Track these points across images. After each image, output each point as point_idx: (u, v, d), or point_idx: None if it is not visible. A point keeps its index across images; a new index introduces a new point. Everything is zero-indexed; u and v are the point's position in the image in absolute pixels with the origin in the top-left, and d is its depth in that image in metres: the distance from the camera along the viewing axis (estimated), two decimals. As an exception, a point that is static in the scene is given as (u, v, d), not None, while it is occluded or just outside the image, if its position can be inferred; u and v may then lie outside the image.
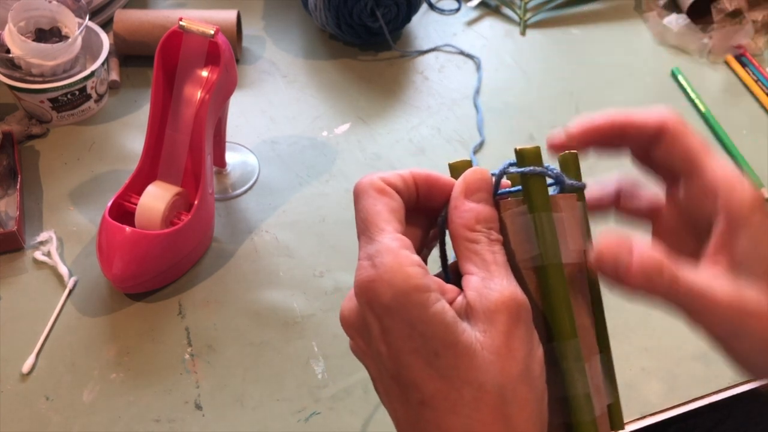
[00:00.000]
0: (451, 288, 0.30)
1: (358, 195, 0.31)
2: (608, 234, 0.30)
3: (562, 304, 0.31)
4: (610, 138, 0.35)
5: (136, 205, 0.61)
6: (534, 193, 0.31)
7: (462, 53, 0.84)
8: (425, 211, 0.33)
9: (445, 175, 0.33)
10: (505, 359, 0.28)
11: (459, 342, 0.28)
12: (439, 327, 0.28)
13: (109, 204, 0.61)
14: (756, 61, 0.88)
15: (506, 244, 0.31)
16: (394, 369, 0.29)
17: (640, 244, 0.30)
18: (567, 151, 0.33)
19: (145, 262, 0.59)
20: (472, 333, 0.28)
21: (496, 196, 0.32)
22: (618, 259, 0.30)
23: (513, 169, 0.32)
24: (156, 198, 0.61)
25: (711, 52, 0.90)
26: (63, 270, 0.62)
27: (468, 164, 0.32)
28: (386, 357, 0.29)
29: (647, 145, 0.34)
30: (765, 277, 0.30)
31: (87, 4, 0.77)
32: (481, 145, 0.77)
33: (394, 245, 0.29)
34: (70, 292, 0.62)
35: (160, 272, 0.61)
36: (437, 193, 0.33)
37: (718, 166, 0.32)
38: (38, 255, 0.64)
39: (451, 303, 0.29)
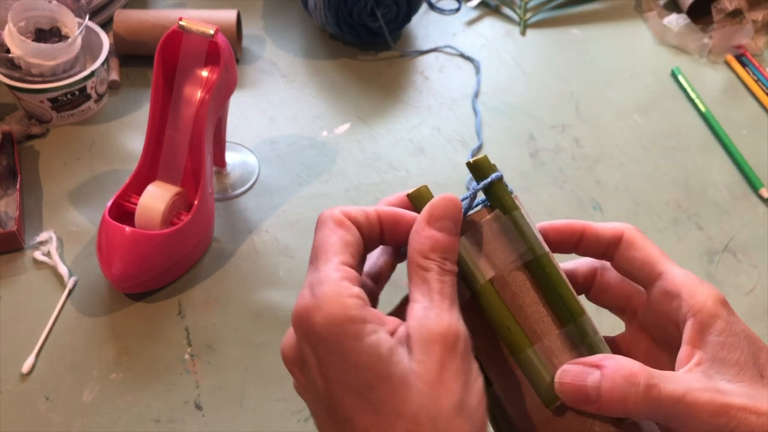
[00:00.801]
0: (392, 319, 0.30)
1: (317, 225, 0.32)
2: (565, 368, 0.31)
3: (565, 286, 0.32)
4: (568, 238, 0.36)
5: (136, 205, 0.61)
6: (504, 197, 0.33)
7: (462, 55, 0.84)
8: (393, 245, 0.34)
9: (411, 212, 0.33)
10: (440, 391, 0.27)
11: (392, 374, 0.27)
12: (372, 359, 0.27)
13: (109, 204, 0.61)
14: (756, 60, 0.88)
15: (485, 256, 0.32)
16: (329, 402, 0.29)
17: (609, 359, 0.30)
18: (477, 157, 0.33)
19: (144, 262, 0.59)
20: (408, 364, 0.28)
21: (466, 216, 0.33)
22: (585, 387, 0.30)
23: (479, 185, 0.32)
24: (156, 198, 0.61)
25: (711, 52, 0.90)
26: (63, 270, 0.62)
27: (426, 190, 0.33)
28: (321, 389, 0.29)
29: (604, 251, 0.35)
30: (740, 370, 0.30)
31: (87, 4, 0.77)
32: (479, 148, 0.77)
33: (335, 276, 0.29)
34: (70, 292, 0.62)
35: (160, 272, 0.61)
36: (402, 230, 0.33)
37: (677, 271, 0.33)
38: (38, 255, 0.64)
39: (392, 333, 0.29)
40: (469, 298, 0.32)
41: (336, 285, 0.28)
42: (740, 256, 0.70)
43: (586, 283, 0.37)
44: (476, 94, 0.83)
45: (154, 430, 0.55)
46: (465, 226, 0.32)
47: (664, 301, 0.33)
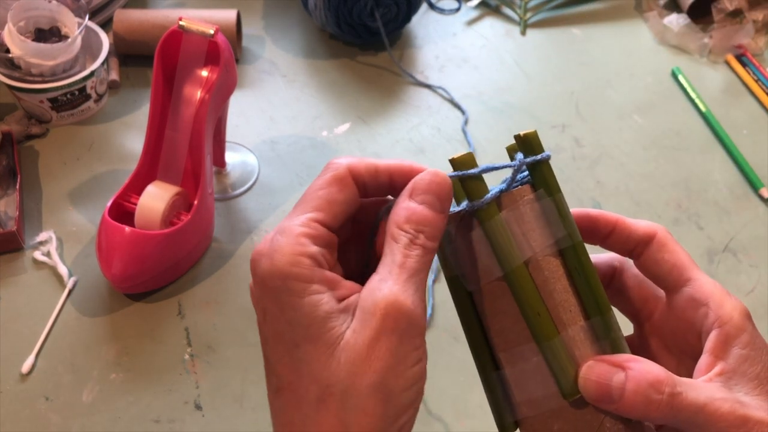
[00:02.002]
0: (352, 286, 0.29)
1: (323, 170, 0.31)
2: (591, 364, 0.30)
3: (596, 278, 0.32)
4: (600, 229, 0.35)
5: (135, 205, 0.61)
6: (551, 177, 0.32)
7: (452, 101, 0.83)
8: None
9: (424, 167, 0.32)
10: (361, 366, 0.26)
11: (321, 338, 0.27)
12: (306, 318, 0.27)
13: (109, 204, 0.61)
14: (756, 60, 0.88)
15: (522, 236, 0.31)
16: (264, 347, 0.29)
17: (635, 362, 0.30)
18: (526, 131, 0.32)
19: (144, 262, 0.59)
20: (342, 331, 0.27)
21: (507, 191, 0.32)
22: (609, 386, 0.29)
23: (529, 159, 0.32)
24: (156, 198, 0.61)
25: (711, 51, 0.90)
26: (63, 270, 0.62)
27: (471, 157, 0.32)
28: (262, 335, 0.29)
29: (632, 249, 0.35)
30: (759, 384, 0.30)
31: (87, 4, 0.77)
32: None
33: (297, 230, 0.28)
34: (70, 292, 0.62)
35: (160, 272, 0.61)
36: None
37: (706, 279, 0.33)
38: (38, 255, 0.64)
39: (342, 299, 0.28)
40: (498, 277, 0.31)
41: (294, 239, 0.28)
42: (740, 256, 0.70)
43: (603, 281, 0.37)
44: (465, 122, 0.82)
45: (154, 430, 0.55)
46: (505, 201, 0.31)
47: (688, 308, 0.33)
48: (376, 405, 0.27)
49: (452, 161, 0.31)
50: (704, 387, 0.30)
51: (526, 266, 0.31)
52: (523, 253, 0.31)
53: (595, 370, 0.30)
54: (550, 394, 0.31)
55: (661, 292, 0.35)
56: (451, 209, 0.32)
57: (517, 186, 0.32)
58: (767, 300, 0.66)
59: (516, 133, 0.32)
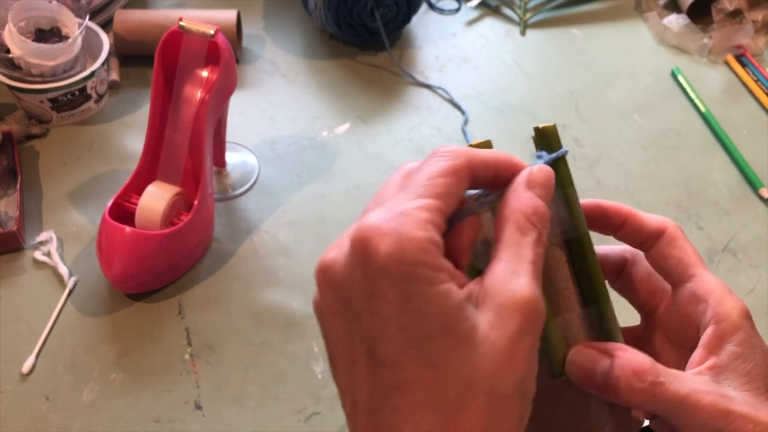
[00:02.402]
0: (461, 274, 0.27)
1: (436, 154, 0.28)
2: (579, 349, 0.31)
3: (597, 270, 0.33)
4: (613, 220, 0.36)
5: (136, 205, 0.61)
6: (565, 172, 0.33)
7: (451, 101, 0.83)
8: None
9: (525, 162, 0.31)
10: (507, 363, 0.25)
11: (458, 330, 0.25)
12: (440, 308, 0.25)
13: (109, 204, 0.61)
14: (756, 61, 0.88)
15: None
16: (371, 339, 0.25)
17: (623, 350, 0.31)
18: (545, 124, 0.33)
19: (144, 263, 0.59)
20: (476, 324, 0.25)
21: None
22: (593, 372, 0.30)
23: (552, 156, 0.33)
24: (156, 198, 0.61)
25: (711, 52, 0.90)
26: (63, 270, 0.62)
27: (488, 144, 0.33)
28: (366, 323, 0.25)
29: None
30: (750, 380, 0.31)
31: (87, 4, 0.77)
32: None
33: (423, 215, 0.26)
34: (70, 292, 0.62)
35: (160, 272, 0.61)
36: (505, 176, 0.30)
37: (710, 277, 0.34)
38: (38, 255, 0.64)
39: (461, 287, 0.26)
40: None
41: (422, 224, 0.25)
42: (740, 256, 0.70)
43: (614, 271, 0.38)
44: (465, 122, 0.82)
45: (154, 430, 0.55)
46: None
47: (690, 304, 0.34)
48: (518, 406, 0.26)
49: (539, 130, 0.33)
50: (690, 379, 0.30)
51: None
52: None
53: (582, 355, 0.31)
54: (541, 375, 0.32)
55: (668, 287, 0.36)
56: (470, 192, 0.31)
57: None
58: (767, 300, 0.66)
59: (535, 126, 0.33)
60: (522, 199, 0.28)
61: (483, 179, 0.29)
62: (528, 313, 0.25)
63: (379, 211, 0.26)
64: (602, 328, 0.33)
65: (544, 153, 0.33)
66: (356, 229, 0.26)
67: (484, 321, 0.25)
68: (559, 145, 0.33)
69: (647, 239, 0.35)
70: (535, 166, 0.30)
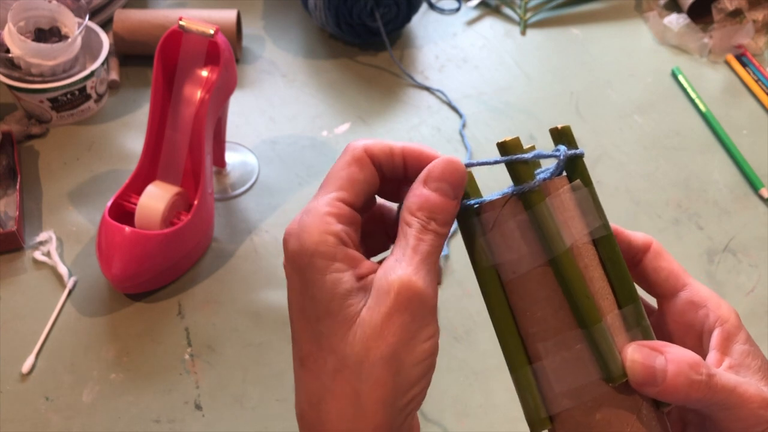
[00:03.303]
0: (371, 265, 0.31)
1: (341, 154, 0.33)
2: (635, 347, 0.32)
3: (627, 268, 0.33)
4: None
5: (135, 205, 0.61)
6: (585, 171, 0.33)
7: (450, 104, 0.83)
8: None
9: (437, 152, 0.33)
10: (374, 339, 0.28)
11: (340, 313, 0.29)
12: (327, 294, 0.29)
13: (109, 204, 0.61)
14: (756, 60, 0.88)
15: (563, 224, 0.32)
16: (291, 319, 0.31)
17: (669, 347, 0.32)
18: (563, 125, 0.33)
19: (144, 262, 0.59)
20: (359, 308, 0.29)
21: (547, 180, 0.32)
22: (654, 368, 0.31)
23: (571, 152, 0.32)
24: (156, 198, 0.61)
25: (711, 51, 0.90)
26: (62, 270, 0.62)
27: (519, 141, 0.32)
28: (289, 308, 0.31)
29: (632, 257, 0.37)
30: (763, 376, 0.33)
31: (87, 4, 0.77)
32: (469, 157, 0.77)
33: (323, 209, 0.30)
34: (70, 292, 0.62)
35: (160, 272, 0.61)
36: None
37: (701, 285, 0.36)
38: (38, 255, 0.64)
39: (362, 277, 0.30)
40: (541, 263, 0.32)
41: (320, 218, 0.30)
42: (740, 256, 0.70)
43: (636, 258, 0.37)
44: (463, 125, 0.82)
45: (154, 430, 0.55)
46: (545, 190, 0.32)
47: (688, 311, 0.35)
48: (388, 376, 0.29)
49: (502, 144, 0.32)
50: (728, 374, 0.32)
51: (570, 252, 0.32)
52: (567, 240, 0.32)
53: (642, 353, 0.31)
54: (593, 382, 0.31)
55: (651, 303, 0.37)
56: (492, 196, 0.32)
57: (555, 176, 0.33)
58: (767, 300, 0.66)
59: (552, 127, 0.33)
60: (410, 196, 0.31)
61: (391, 167, 0.32)
62: (399, 293, 0.29)
63: (296, 216, 0.31)
64: (640, 326, 0.33)
65: (562, 147, 0.32)
66: (285, 230, 0.31)
67: (366, 306, 0.29)
68: (575, 145, 0.33)
69: (636, 254, 0.36)
70: (437, 159, 0.32)
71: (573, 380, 0.32)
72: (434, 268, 0.30)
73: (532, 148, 0.32)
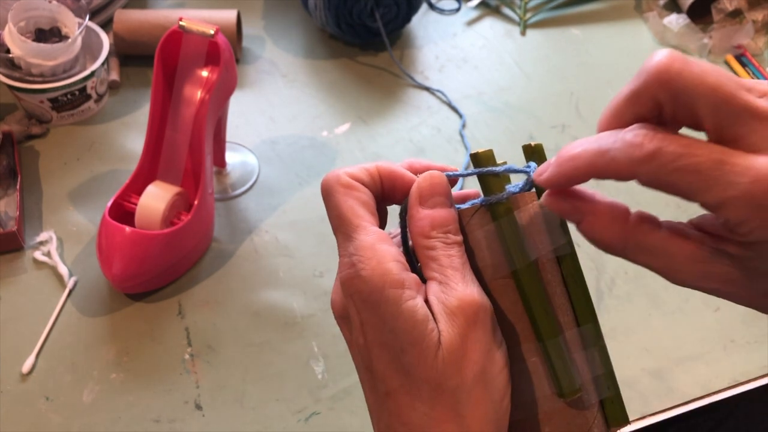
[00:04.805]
0: (420, 281, 0.31)
1: (326, 192, 0.32)
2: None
3: (587, 288, 0.33)
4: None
5: (136, 205, 0.61)
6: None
7: (450, 105, 0.83)
8: (389, 202, 0.35)
9: (407, 172, 0.34)
10: (462, 361, 0.29)
11: (424, 340, 0.29)
12: (408, 324, 0.29)
13: (109, 204, 0.61)
14: (756, 61, 0.88)
15: (529, 237, 0.32)
16: (367, 360, 0.31)
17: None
18: (536, 143, 0.34)
19: (144, 262, 0.59)
20: (437, 332, 0.29)
21: (516, 193, 0.32)
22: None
23: (531, 170, 0.32)
24: (156, 198, 0.61)
25: (711, 52, 0.90)
26: (63, 270, 0.62)
27: (492, 154, 0.33)
28: (363, 348, 0.31)
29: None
30: None
31: (87, 4, 0.77)
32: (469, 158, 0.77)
33: (370, 240, 0.30)
34: (70, 292, 0.62)
35: (160, 272, 0.61)
36: (399, 187, 0.33)
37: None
38: (38, 255, 0.64)
39: (427, 300, 0.30)
40: (504, 275, 0.32)
41: (375, 251, 0.30)
42: (740, 256, 0.70)
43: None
44: (463, 125, 0.82)
45: (154, 430, 0.55)
46: (514, 204, 0.32)
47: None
48: (483, 392, 0.29)
49: (475, 156, 0.32)
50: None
51: (535, 265, 0.32)
52: (531, 253, 0.32)
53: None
54: (545, 396, 0.32)
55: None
56: (463, 206, 0.33)
57: (525, 191, 0.33)
58: (767, 300, 0.66)
59: (525, 144, 0.33)
60: (415, 223, 0.31)
61: (372, 186, 0.33)
62: (464, 311, 0.29)
63: (343, 262, 0.31)
64: (597, 345, 0.33)
65: (533, 164, 0.33)
66: (341, 283, 0.31)
67: (441, 331, 0.29)
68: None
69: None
70: (420, 178, 0.32)
71: (525, 393, 0.32)
72: (472, 274, 0.31)
73: (504, 163, 0.33)
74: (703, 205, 0.27)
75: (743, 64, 0.88)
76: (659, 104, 0.27)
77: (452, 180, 0.34)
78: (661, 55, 0.26)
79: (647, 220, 0.30)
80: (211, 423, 0.56)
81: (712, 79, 0.25)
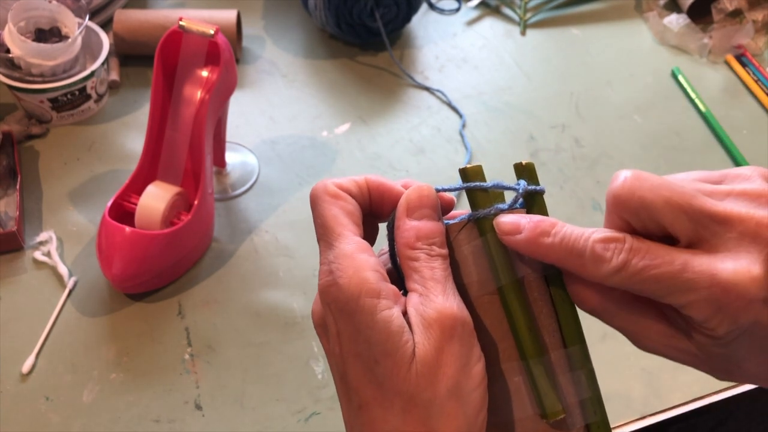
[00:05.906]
0: (399, 293, 0.31)
1: (313, 201, 0.32)
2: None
3: (576, 310, 0.32)
4: None
5: (135, 205, 0.61)
6: (542, 208, 0.33)
7: (450, 105, 0.84)
8: (378, 216, 0.35)
9: (396, 185, 0.34)
10: (436, 374, 0.28)
11: (398, 352, 0.28)
12: (382, 335, 0.28)
13: (109, 204, 0.61)
14: (756, 60, 0.88)
15: (517, 255, 0.32)
16: (342, 370, 0.30)
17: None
18: (527, 161, 0.34)
19: (144, 262, 0.59)
20: (412, 344, 0.29)
21: (512, 207, 0.32)
22: (519, 223, 0.30)
23: (531, 187, 0.32)
24: (156, 198, 0.61)
25: (711, 51, 0.90)
26: (63, 270, 0.62)
27: (481, 169, 0.32)
28: (338, 357, 0.30)
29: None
30: None
31: (87, 4, 0.77)
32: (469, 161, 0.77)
33: (350, 249, 0.30)
34: (70, 292, 0.62)
35: (160, 272, 0.61)
36: (387, 200, 0.34)
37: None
38: (38, 255, 0.64)
39: (405, 312, 0.30)
40: (490, 291, 0.32)
41: (353, 259, 0.29)
42: (740, 256, 0.70)
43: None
44: (463, 125, 0.82)
45: (154, 430, 0.55)
46: None
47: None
48: (457, 407, 0.28)
49: (464, 171, 0.32)
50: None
51: (521, 282, 0.31)
52: (518, 270, 0.32)
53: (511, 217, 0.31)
54: (526, 417, 0.31)
55: None
56: (452, 221, 0.33)
57: (515, 208, 0.33)
58: (767, 300, 0.66)
59: (517, 162, 0.33)
60: (401, 233, 0.31)
61: (360, 197, 0.33)
62: (441, 324, 0.29)
63: (322, 270, 0.31)
64: (584, 368, 0.32)
65: (522, 181, 0.32)
66: (319, 291, 0.31)
67: (416, 343, 0.29)
68: (536, 182, 0.33)
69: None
70: (408, 190, 0.32)
71: (506, 413, 0.32)
72: (454, 288, 0.30)
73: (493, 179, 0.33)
74: (670, 305, 0.29)
75: (743, 64, 0.88)
76: (629, 222, 0.30)
77: (448, 200, 0.34)
78: (618, 180, 0.29)
79: (628, 294, 0.31)
80: (211, 423, 0.56)
81: (666, 192, 0.28)
